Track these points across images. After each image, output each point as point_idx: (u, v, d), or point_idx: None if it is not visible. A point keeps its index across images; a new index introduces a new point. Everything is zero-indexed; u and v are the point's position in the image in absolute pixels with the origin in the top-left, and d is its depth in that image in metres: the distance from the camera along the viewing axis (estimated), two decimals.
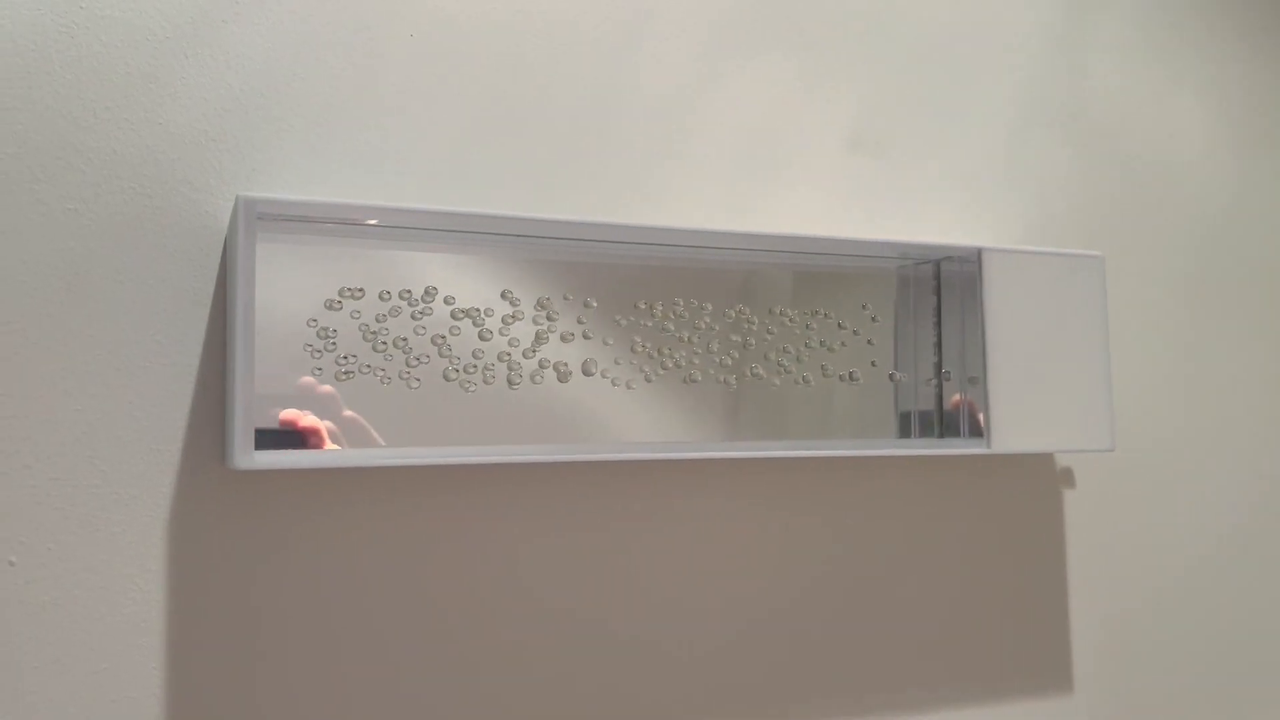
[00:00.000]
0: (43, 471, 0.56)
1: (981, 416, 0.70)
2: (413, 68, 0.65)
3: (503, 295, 0.63)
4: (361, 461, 0.58)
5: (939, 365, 0.72)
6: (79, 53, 0.58)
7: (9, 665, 0.55)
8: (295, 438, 0.57)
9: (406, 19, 0.66)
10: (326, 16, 0.63)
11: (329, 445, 0.57)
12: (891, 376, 0.70)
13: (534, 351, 0.63)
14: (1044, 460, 0.84)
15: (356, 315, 0.59)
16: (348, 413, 0.58)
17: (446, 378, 0.60)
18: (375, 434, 0.59)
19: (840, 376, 0.69)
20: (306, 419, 0.57)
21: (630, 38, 0.72)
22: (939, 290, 0.73)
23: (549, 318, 0.63)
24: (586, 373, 0.63)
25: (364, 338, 0.59)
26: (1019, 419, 0.71)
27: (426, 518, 0.63)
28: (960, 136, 0.83)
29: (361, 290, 0.59)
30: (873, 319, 0.71)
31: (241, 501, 0.59)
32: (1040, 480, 0.84)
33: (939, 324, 0.72)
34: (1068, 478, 0.85)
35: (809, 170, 0.76)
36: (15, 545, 0.55)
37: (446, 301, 0.61)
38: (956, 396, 0.72)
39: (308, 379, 0.58)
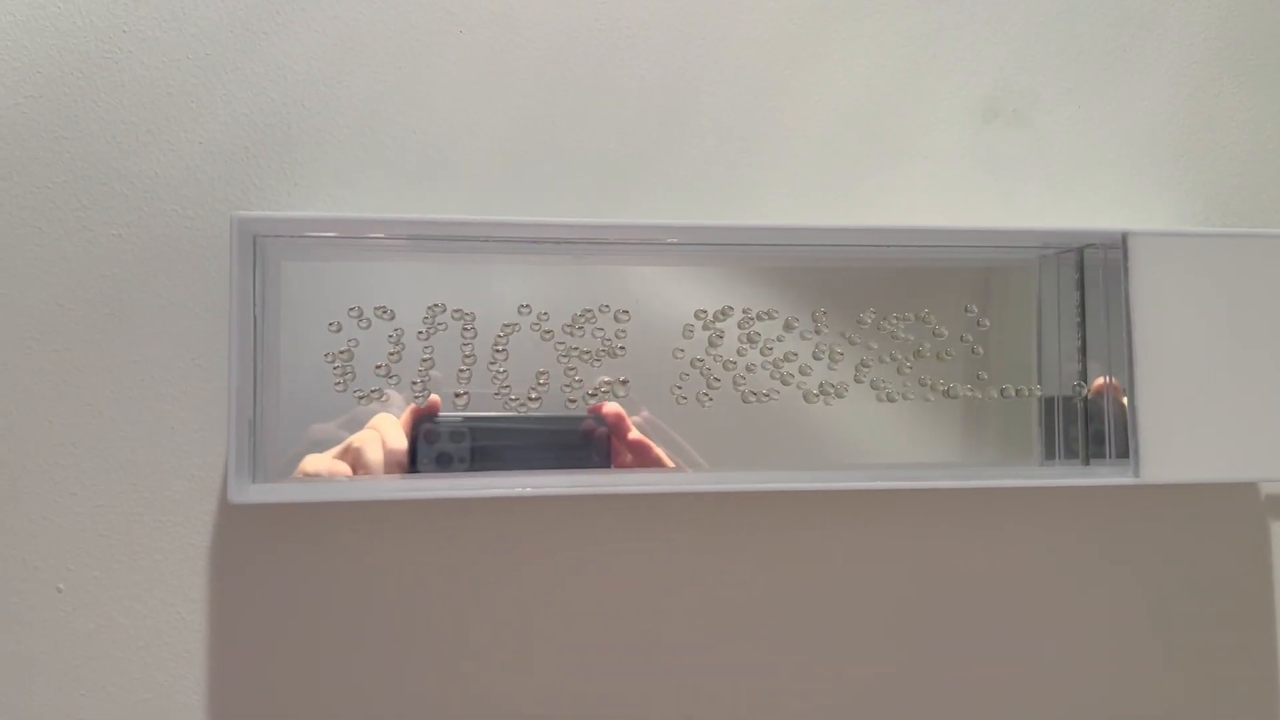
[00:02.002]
0: (88, 498, 0.56)
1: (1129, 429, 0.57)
2: (465, 67, 0.61)
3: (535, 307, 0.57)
4: (370, 494, 0.54)
5: (1083, 372, 0.60)
6: (122, 77, 0.57)
7: (57, 692, 0.55)
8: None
9: (456, 14, 0.61)
10: (371, 18, 0.60)
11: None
12: (1003, 391, 0.59)
13: (572, 378, 0.57)
14: (1243, 484, 0.68)
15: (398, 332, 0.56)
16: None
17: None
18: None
19: (944, 391, 0.58)
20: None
21: (711, 6, 0.64)
22: (1082, 284, 0.60)
23: (592, 333, 0.57)
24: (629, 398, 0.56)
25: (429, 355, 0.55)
26: (1178, 440, 0.57)
27: (503, 549, 0.59)
28: (1126, 97, 0.69)
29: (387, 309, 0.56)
30: (978, 323, 0.59)
31: (286, 528, 0.57)
32: (1239, 508, 0.69)
33: (1083, 325, 0.60)
34: (1275, 507, 0.69)
35: (930, 147, 0.66)
36: (63, 572, 0.56)
37: (459, 321, 0.57)
38: (1100, 380, 0.59)
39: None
